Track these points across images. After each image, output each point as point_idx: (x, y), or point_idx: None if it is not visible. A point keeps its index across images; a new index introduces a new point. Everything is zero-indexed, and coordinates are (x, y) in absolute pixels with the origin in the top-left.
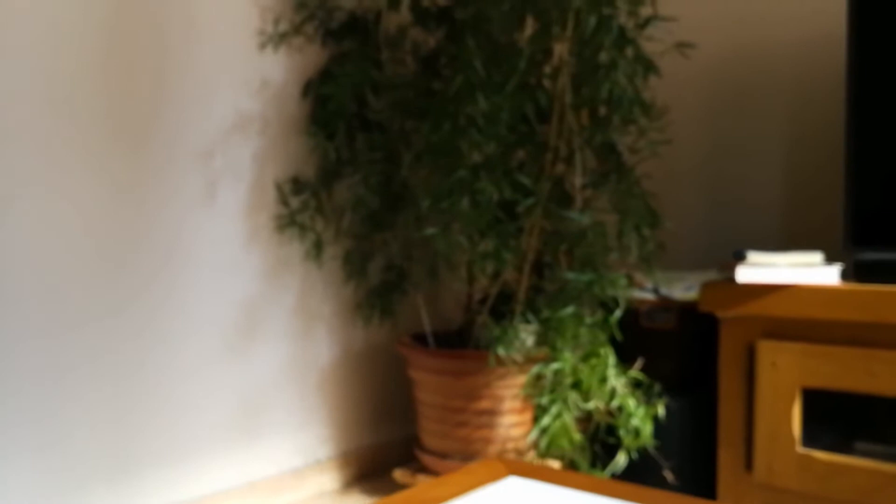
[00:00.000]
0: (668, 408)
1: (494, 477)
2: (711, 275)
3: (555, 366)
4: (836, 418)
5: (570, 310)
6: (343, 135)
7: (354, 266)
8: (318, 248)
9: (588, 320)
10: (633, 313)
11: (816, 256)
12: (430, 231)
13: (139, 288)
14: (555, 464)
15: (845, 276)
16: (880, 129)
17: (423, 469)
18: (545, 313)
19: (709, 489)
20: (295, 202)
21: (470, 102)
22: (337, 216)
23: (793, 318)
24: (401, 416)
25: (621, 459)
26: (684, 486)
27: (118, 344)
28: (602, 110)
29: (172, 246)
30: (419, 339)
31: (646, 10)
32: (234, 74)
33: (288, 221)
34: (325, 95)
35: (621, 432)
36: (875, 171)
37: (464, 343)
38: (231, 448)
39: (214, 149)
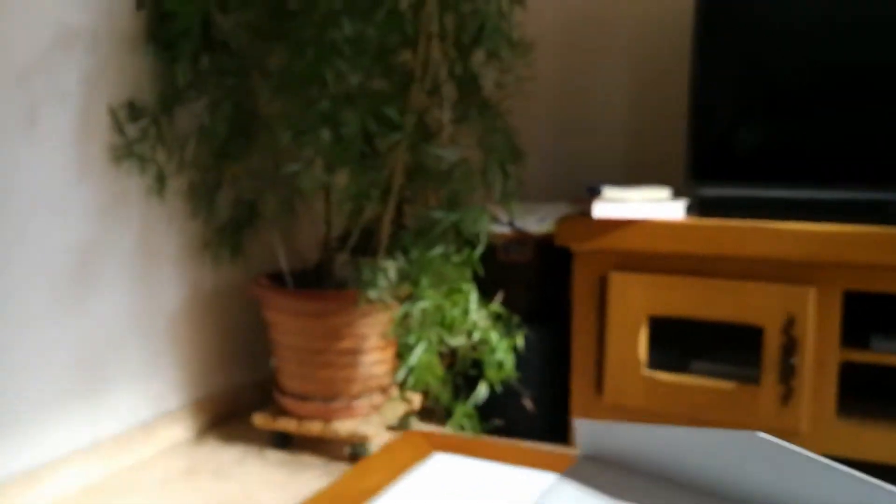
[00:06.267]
0: (526, 338)
1: (419, 455)
2: (562, 207)
3: (422, 304)
4: (676, 343)
5: (439, 249)
6: (188, 56)
7: (201, 200)
8: (160, 182)
9: (455, 258)
10: (491, 247)
11: (665, 192)
12: (292, 168)
13: None
14: (417, 397)
15: (690, 210)
16: (720, 77)
17: (283, 412)
18: (413, 253)
19: (564, 414)
20: (132, 130)
21: (334, 28)
22: (180, 146)
23: (642, 251)
24: (255, 358)
25: (482, 391)
26: (542, 413)
27: None
28: (466, 39)
29: None
30: (275, 278)
31: None
32: None
33: (125, 152)
34: (166, 12)
35: (485, 366)
36: (715, 114)
37: (322, 282)
38: (71, 408)
39: (34, 68)
